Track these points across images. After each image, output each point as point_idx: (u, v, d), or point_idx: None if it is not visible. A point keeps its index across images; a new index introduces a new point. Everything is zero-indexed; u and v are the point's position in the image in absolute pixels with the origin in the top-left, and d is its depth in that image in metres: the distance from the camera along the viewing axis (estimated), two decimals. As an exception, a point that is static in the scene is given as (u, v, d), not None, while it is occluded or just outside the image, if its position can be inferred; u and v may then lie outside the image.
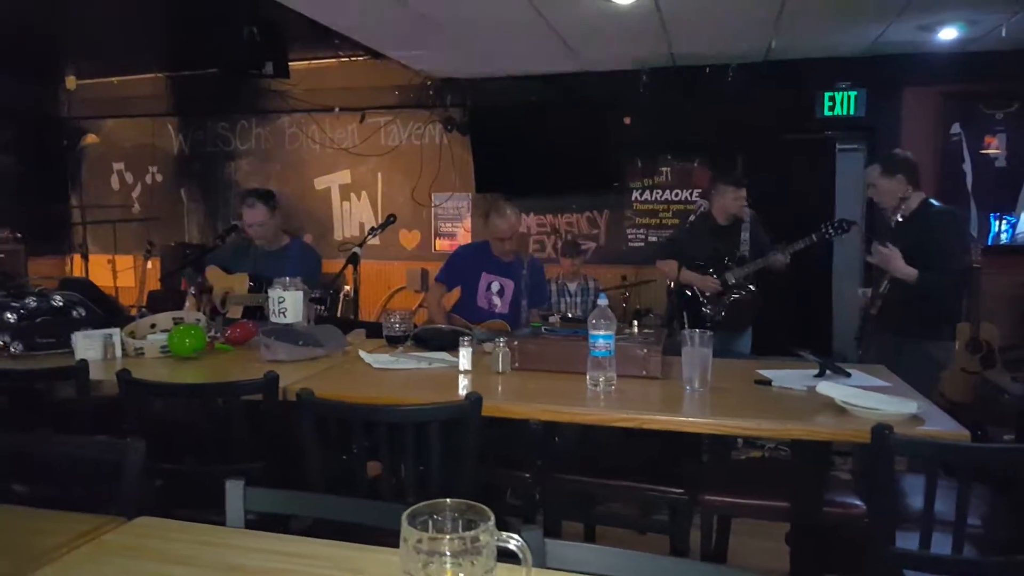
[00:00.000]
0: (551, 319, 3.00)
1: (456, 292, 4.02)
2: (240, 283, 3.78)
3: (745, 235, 4.29)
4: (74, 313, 3.05)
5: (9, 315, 2.90)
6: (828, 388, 2.25)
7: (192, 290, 3.77)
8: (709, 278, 4.23)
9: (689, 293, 4.33)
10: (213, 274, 3.87)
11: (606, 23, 4.74)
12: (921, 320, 3.47)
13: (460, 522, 0.97)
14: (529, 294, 3.88)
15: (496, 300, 3.93)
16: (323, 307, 3.35)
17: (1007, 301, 5.47)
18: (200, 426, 2.30)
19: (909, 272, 3.36)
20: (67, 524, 1.37)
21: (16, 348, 2.86)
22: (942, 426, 2.00)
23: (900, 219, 3.38)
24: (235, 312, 3.71)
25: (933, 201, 3.56)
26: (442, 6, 4.46)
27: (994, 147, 5.64)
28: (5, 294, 3.09)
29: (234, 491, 1.42)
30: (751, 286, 4.26)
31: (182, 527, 1.36)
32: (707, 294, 4.27)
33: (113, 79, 7.30)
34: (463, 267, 3.98)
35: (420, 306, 6.21)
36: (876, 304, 3.52)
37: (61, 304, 3.03)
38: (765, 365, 2.66)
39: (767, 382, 2.46)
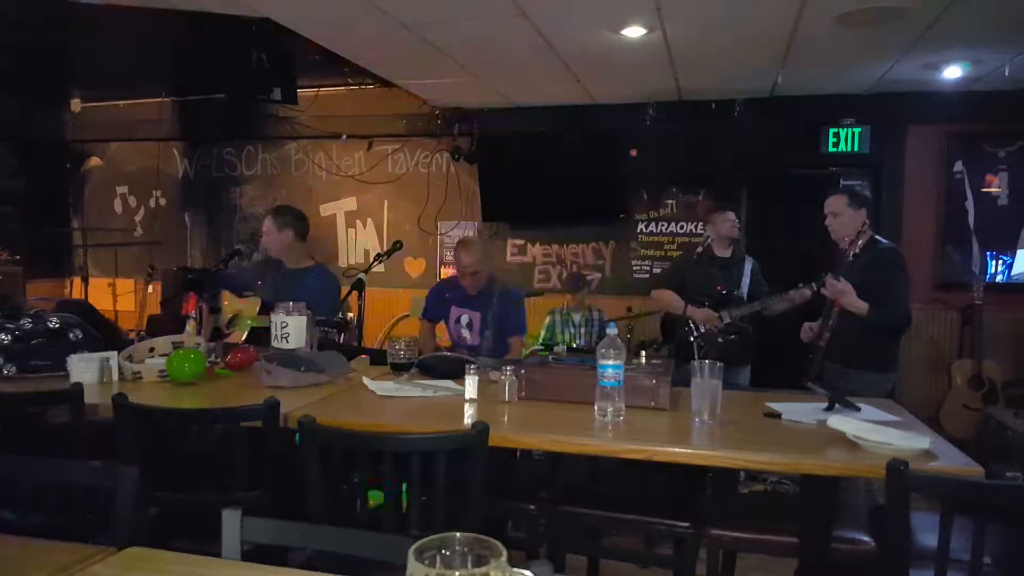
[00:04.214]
0: (556, 349, 2.96)
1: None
2: (250, 308, 3.77)
3: (746, 279, 4.36)
4: (71, 335, 2.98)
5: (3, 336, 2.84)
6: (839, 422, 2.21)
7: (193, 314, 3.75)
8: (708, 311, 4.22)
9: (686, 327, 4.30)
10: (224, 296, 3.88)
11: (615, 56, 4.76)
12: (867, 352, 3.51)
13: (469, 557, 0.92)
14: (500, 324, 3.90)
15: (465, 332, 3.99)
16: (332, 330, 3.30)
17: (1009, 338, 5.46)
18: (198, 453, 2.25)
19: (860, 306, 3.39)
20: (54, 554, 1.32)
21: (9, 370, 2.80)
22: (956, 462, 1.97)
23: (856, 253, 3.40)
24: (237, 336, 3.68)
25: (880, 238, 3.62)
26: (451, 36, 4.49)
27: (996, 185, 5.66)
28: (0, 315, 3.05)
29: (230, 521, 1.37)
30: (748, 327, 4.28)
31: (174, 558, 1.31)
32: (701, 330, 4.25)
33: (119, 103, 7.32)
34: (437, 303, 4.13)
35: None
36: (824, 336, 3.55)
37: (57, 326, 2.97)
38: (773, 398, 2.62)
39: (776, 415, 2.42)
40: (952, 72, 5.04)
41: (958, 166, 5.70)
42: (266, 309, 3.65)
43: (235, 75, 4.94)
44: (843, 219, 3.60)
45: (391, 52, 4.86)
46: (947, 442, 2.14)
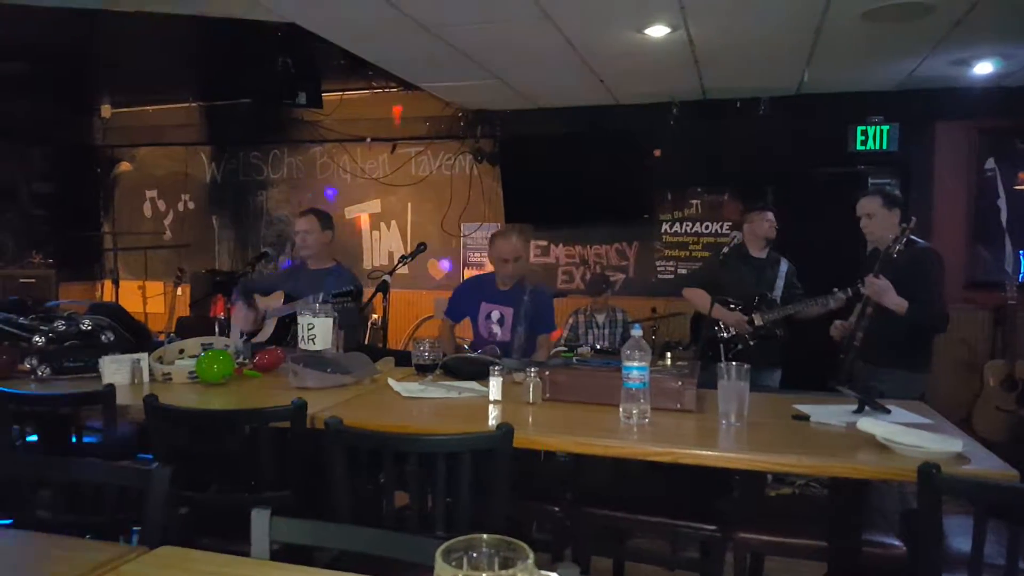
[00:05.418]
0: (581, 350, 2.95)
1: (467, 323, 4.11)
2: (275, 302, 3.84)
3: (780, 281, 4.27)
4: (102, 337, 3.03)
5: (37, 338, 2.90)
6: (869, 424, 2.17)
7: (222, 317, 3.80)
8: (738, 315, 4.17)
9: (715, 328, 4.26)
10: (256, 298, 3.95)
11: (638, 56, 4.74)
12: (900, 351, 3.47)
13: (496, 559, 0.92)
14: (531, 321, 3.88)
15: (496, 328, 3.96)
16: (347, 299, 3.31)
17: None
18: (227, 453, 2.27)
19: (901, 303, 3.36)
20: (87, 553, 1.34)
21: (43, 371, 2.85)
22: (989, 465, 1.92)
23: (900, 250, 3.35)
24: (264, 335, 3.73)
25: (916, 238, 3.56)
26: (474, 38, 4.50)
27: (1029, 183, 5.55)
28: (34, 317, 3.10)
29: (259, 521, 1.38)
30: (778, 331, 4.20)
31: (205, 557, 1.33)
32: (732, 331, 4.20)
33: (148, 108, 7.45)
34: (465, 300, 4.08)
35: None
36: (858, 336, 3.50)
37: (90, 328, 3.02)
38: (801, 400, 2.59)
39: (805, 417, 2.39)
40: (983, 68, 4.95)
41: (990, 163, 5.61)
42: (290, 300, 3.71)
43: (261, 80, 5.02)
44: (878, 220, 3.57)
45: (415, 56, 4.89)
46: (979, 445, 2.10)
